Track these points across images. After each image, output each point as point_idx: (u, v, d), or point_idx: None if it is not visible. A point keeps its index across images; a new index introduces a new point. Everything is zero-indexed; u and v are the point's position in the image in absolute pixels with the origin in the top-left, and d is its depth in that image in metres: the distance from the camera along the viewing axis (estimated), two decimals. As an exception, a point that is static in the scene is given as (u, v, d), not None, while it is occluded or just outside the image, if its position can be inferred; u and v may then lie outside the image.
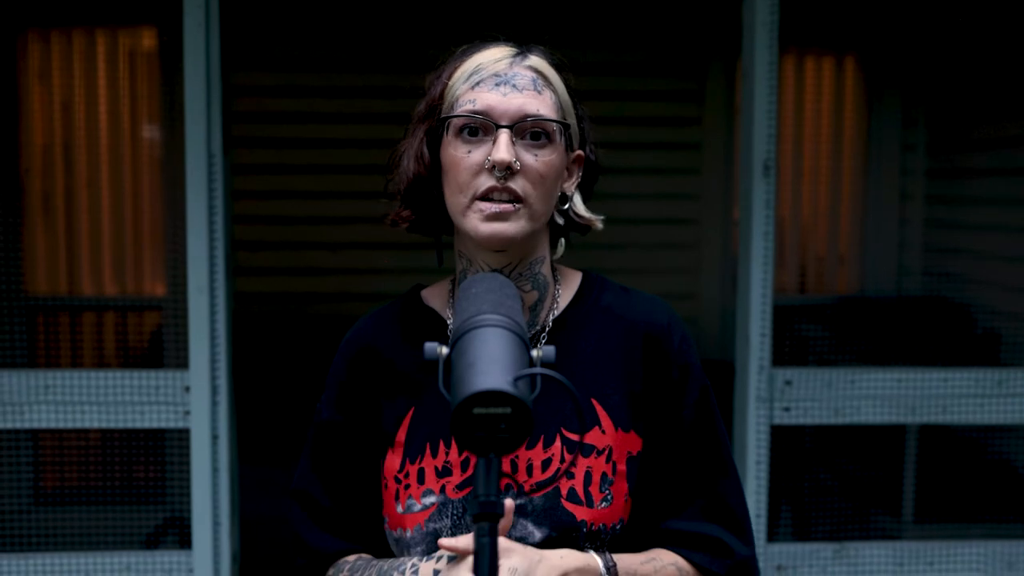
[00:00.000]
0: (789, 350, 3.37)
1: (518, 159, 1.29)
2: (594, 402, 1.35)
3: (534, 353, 1.05)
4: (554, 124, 1.31)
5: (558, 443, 1.32)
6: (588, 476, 1.31)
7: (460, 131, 1.31)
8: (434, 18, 4.85)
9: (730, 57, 5.03)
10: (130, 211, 4.88)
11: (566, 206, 1.39)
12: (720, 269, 5.27)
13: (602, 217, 1.43)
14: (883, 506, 4.08)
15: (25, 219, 4.66)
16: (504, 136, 1.28)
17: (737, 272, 3.00)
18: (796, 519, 3.79)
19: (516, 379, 0.97)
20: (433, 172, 1.36)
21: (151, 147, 4.87)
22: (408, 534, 1.33)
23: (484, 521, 0.96)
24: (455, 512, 1.31)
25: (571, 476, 1.31)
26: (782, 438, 3.15)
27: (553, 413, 1.33)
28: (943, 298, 4.60)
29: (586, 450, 1.32)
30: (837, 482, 4.07)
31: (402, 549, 1.35)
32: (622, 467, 1.33)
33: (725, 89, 5.24)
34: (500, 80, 1.31)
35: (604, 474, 1.31)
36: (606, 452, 1.33)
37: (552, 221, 1.39)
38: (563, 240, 1.42)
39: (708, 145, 5.29)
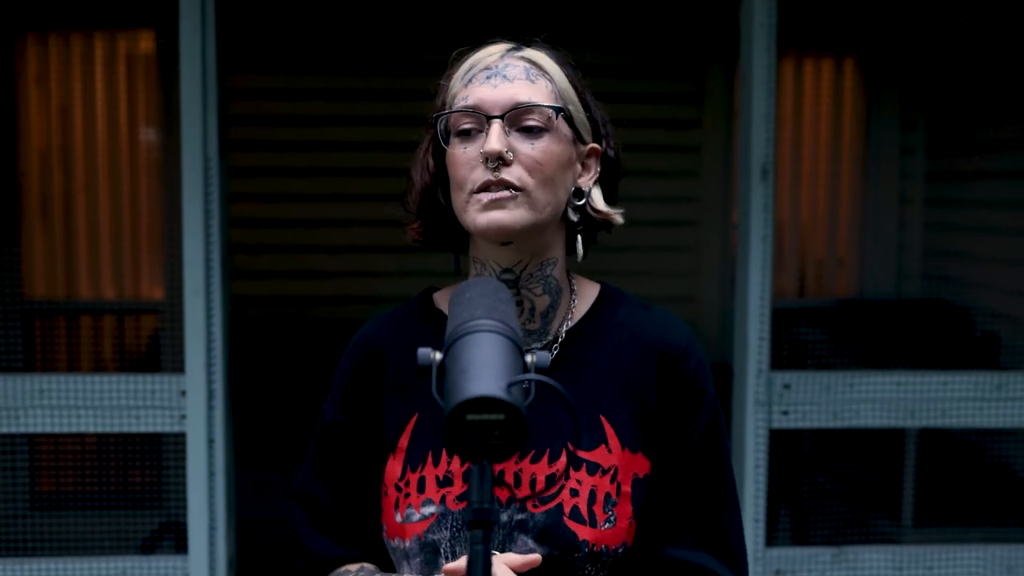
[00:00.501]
0: (788, 353, 3.37)
1: (512, 149, 1.25)
2: (602, 419, 1.30)
3: (528, 359, 1.04)
4: (550, 110, 1.27)
5: (563, 458, 1.28)
6: (592, 495, 1.27)
7: (459, 132, 1.29)
8: (432, 20, 4.85)
9: (729, 59, 5.02)
10: (128, 214, 4.88)
11: (582, 202, 1.34)
12: (720, 271, 5.27)
13: (621, 211, 1.38)
14: (882, 510, 4.07)
15: (23, 222, 4.66)
16: (494, 126, 1.25)
17: (735, 275, 3.00)
18: (795, 523, 3.78)
19: (510, 385, 0.96)
20: (440, 180, 1.34)
21: (149, 150, 4.87)
22: (406, 544, 1.30)
23: (478, 528, 0.95)
24: (455, 523, 1.28)
25: (575, 494, 1.27)
26: (781, 442, 3.15)
27: (559, 427, 1.29)
28: (942, 301, 4.60)
29: (591, 468, 1.28)
30: (836, 486, 4.07)
31: (399, 559, 1.33)
32: (627, 488, 1.29)
33: (724, 91, 5.23)
34: (491, 73, 1.29)
35: (608, 494, 1.27)
36: (611, 472, 1.28)
37: (568, 223, 1.35)
38: (580, 238, 1.35)
39: (707, 147, 5.29)
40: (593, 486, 1.27)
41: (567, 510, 1.26)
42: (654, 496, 1.32)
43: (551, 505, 1.26)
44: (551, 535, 1.25)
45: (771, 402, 2.91)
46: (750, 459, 2.91)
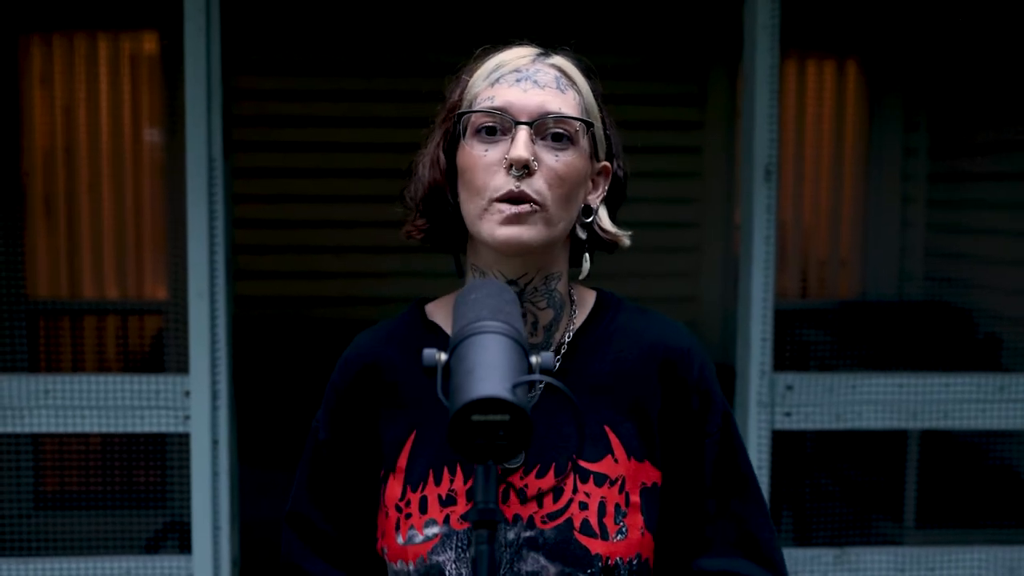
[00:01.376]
0: (790, 355, 3.36)
1: (537, 158, 1.22)
2: (607, 429, 1.27)
3: (533, 360, 1.03)
4: (577, 123, 1.24)
5: (569, 469, 1.25)
6: (602, 507, 1.24)
7: (478, 131, 1.24)
8: (437, 22, 4.86)
9: (732, 60, 5.03)
10: (131, 215, 4.89)
11: (590, 219, 1.31)
12: (721, 272, 5.28)
13: (629, 233, 1.36)
14: (884, 511, 4.07)
15: (27, 222, 4.67)
16: (523, 133, 1.21)
17: (738, 276, 3.00)
18: (797, 524, 3.78)
19: (515, 386, 0.96)
20: (450, 179, 1.29)
21: (152, 151, 4.87)
22: (410, 567, 1.26)
23: (483, 528, 0.95)
24: (459, 544, 1.24)
25: (584, 507, 1.24)
26: (783, 443, 3.15)
27: (564, 439, 1.26)
28: (945, 303, 4.60)
29: (599, 480, 1.25)
30: (838, 487, 4.07)
31: None
32: (636, 498, 1.26)
33: (727, 92, 5.24)
34: (521, 76, 1.25)
35: (617, 505, 1.24)
36: (619, 482, 1.25)
37: (574, 237, 1.32)
38: (588, 256, 1.33)
39: (709, 148, 5.29)
40: (602, 498, 1.24)
41: (577, 524, 1.23)
42: (671, 507, 1.29)
43: (560, 520, 1.23)
44: (562, 551, 1.22)
45: (774, 403, 2.91)
46: (752, 460, 2.92)
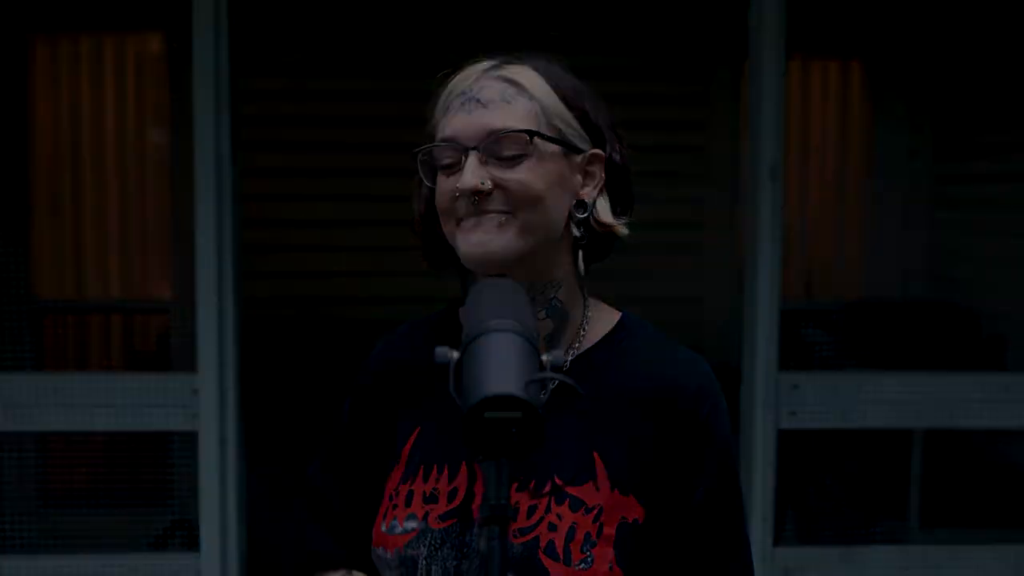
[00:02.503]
0: (795, 355, 3.37)
1: (493, 177, 1.21)
2: (595, 456, 1.24)
3: (544, 358, 1.04)
4: (524, 135, 1.21)
5: (547, 491, 1.23)
6: (571, 532, 1.21)
7: (440, 162, 1.25)
8: (443, 22, 4.87)
9: (735, 61, 5.03)
10: (136, 214, 4.90)
11: (585, 215, 1.27)
12: (725, 273, 5.28)
13: (625, 220, 1.32)
14: (889, 510, 4.08)
15: (33, 222, 4.68)
16: (470, 160, 1.21)
17: (744, 276, 3.01)
18: (802, 523, 3.79)
19: (527, 383, 0.97)
20: (431, 209, 1.29)
21: (157, 150, 4.89)
22: (388, 555, 1.27)
23: (494, 524, 0.96)
24: (433, 542, 1.25)
25: (553, 528, 1.21)
26: (788, 442, 3.15)
27: (553, 458, 1.23)
28: (949, 303, 4.61)
29: (574, 504, 1.22)
30: (843, 486, 4.08)
31: (382, 567, 1.30)
32: (610, 531, 1.21)
33: (730, 93, 5.24)
34: (466, 98, 1.23)
35: (588, 534, 1.21)
36: (595, 511, 1.22)
37: (572, 237, 1.28)
38: (581, 254, 1.28)
39: (713, 149, 5.30)
40: (573, 523, 1.21)
41: (543, 544, 1.21)
42: (653, 548, 1.25)
43: (528, 537, 1.21)
44: (524, 568, 1.20)
45: (779, 403, 2.92)
46: (758, 460, 2.92)
